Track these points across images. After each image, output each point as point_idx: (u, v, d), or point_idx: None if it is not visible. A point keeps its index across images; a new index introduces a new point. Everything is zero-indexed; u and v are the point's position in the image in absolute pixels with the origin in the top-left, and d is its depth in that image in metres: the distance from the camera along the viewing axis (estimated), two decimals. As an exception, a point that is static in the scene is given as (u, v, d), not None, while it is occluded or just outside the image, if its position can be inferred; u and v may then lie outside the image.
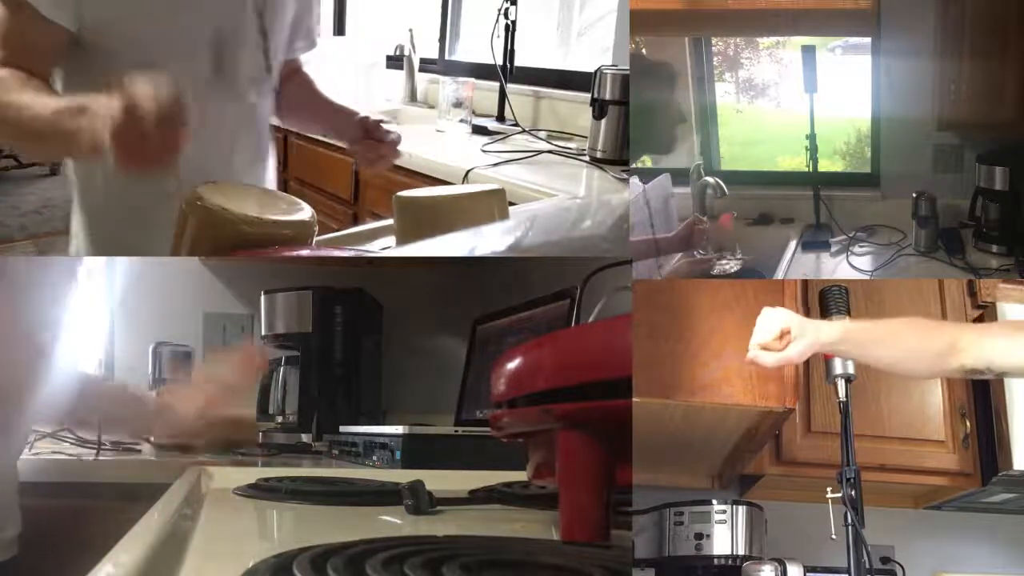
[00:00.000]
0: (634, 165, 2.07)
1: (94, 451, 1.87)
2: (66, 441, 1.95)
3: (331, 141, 2.12)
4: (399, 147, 1.70)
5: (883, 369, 1.36)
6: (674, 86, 1.84)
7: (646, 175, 1.91)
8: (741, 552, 1.76)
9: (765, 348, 1.30)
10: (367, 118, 1.68)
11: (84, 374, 1.38)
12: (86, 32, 1.38)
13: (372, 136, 1.66)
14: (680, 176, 1.98)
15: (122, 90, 1.08)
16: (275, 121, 1.73)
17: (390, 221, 1.45)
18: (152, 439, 1.99)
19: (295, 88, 1.76)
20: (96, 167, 1.48)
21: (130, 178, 1.17)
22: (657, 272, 1.73)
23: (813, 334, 1.29)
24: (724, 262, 1.75)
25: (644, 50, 2.18)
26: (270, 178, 1.72)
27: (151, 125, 1.07)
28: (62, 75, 1.45)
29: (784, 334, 1.28)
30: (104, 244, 1.57)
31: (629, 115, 2.35)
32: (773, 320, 1.30)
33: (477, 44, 3.34)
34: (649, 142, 1.82)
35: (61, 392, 1.29)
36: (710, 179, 1.98)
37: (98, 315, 2.53)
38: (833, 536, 1.38)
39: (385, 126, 1.68)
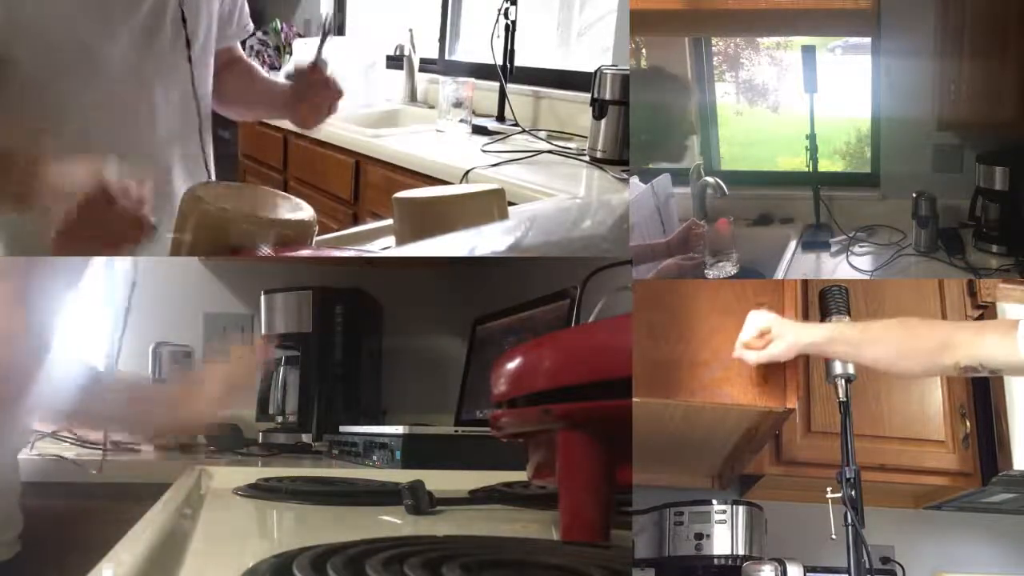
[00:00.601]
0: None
1: (93, 451, 1.87)
2: (66, 441, 1.96)
3: (272, 122, 2.05)
4: (337, 89, 1.64)
5: (877, 369, 1.38)
6: (688, 98, 1.83)
7: (646, 175, 1.91)
8: (741, 552, 1.76)
9: (748, 347, 1.38)
10: (297, 72, 1.64)
11: (91, 369, 1.38)
12: (14, 48, 1.33)
13: (309, 83, 1.62)
14: (680, 176, 1.98)
15: (86, 181, 1.06)
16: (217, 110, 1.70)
17: (390, 221, 1.45)
18: (154, 436, 1.99)
19: (234, 76, 1.74)
20: None
21: None
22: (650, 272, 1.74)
23: (793, 335, 1.36)
24: (720, 266, 1.75)
25: (644, 50, 2.18)
26: (207, 169, 1.67)
27: (123, 219, 1.06)
28: None
29: (763, 334, 1.36)
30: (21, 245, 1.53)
31: (629, 115, 2.35)
32: (754, 321, 1.38)
33: (477, 44, 3.34)
34: (659, 151, 1.81)
35: (67, 387, 1.29)
36: (710, 179, 1.98)
37: (98, 315, 2.53)
38: (833, 536, 1.38)
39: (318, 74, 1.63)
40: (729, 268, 1.75)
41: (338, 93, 1.67)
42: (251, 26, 1.77)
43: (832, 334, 1.38)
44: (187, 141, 1.60)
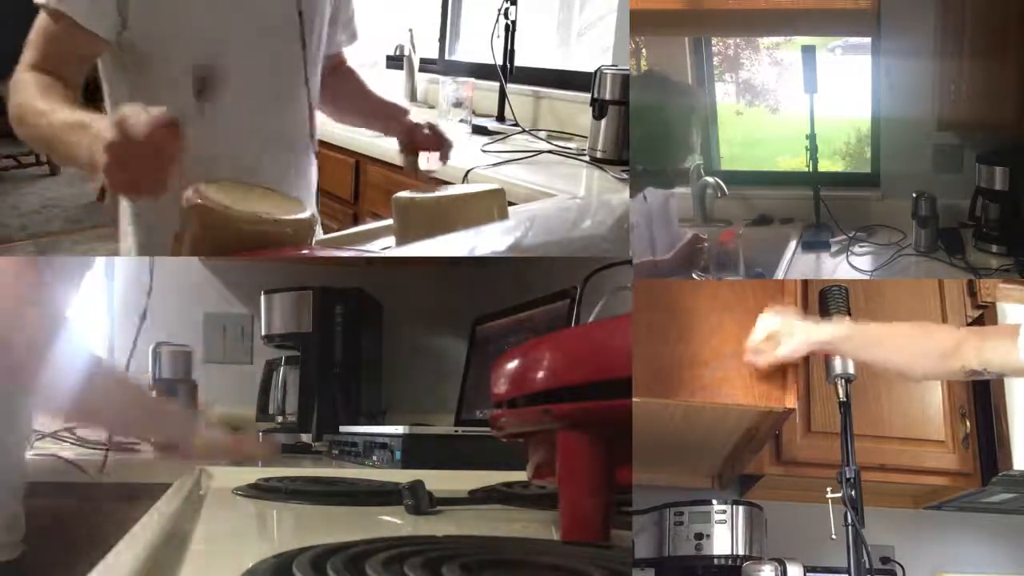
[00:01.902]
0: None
1: (93, 451, 1.87)
2: (66, 441, 1.95)
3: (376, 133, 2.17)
4: (448, 154, 1.73)
5: (888, 370, 1.38)
6: (694, 110, 1.80)
7: (646, 176, 1.91)
8: (741, 552, 1.76)
9: (757, 350, 1.38)
10: (418, 125, 1.71)
11: (94, 361, 1.39)
12: (127, 39, 1.41)
13: (422, 143, 1.70)
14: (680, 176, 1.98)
15: (120, 117, 1.09)
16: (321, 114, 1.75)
17: (390, 221, 1.45)
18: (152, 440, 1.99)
19: (339, 82, 1.79)
20: None
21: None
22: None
23: (803, 334, 1.36)
24: (728, 280, 1.73)
25: (644, 50, 2.18)
26: (312, 173, 1.74)
27: (142, 155, 1.08)
28: (106, 80, 1.50)
29: (771, 336, 1.36)
30: (152, 244, 1.59)
31: (629, 115, 2.35)
32: (762, 324, 1.38)
33: (477, 44, 3.34)
34: (663, 179, 1.79)
35: (70, 386, 1.30)
36: (710, 179, 1.98)
37: (98, 315, 2.53)
38: (833, 536, 1.38)
39: (437, 130, 1.72)
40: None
41: (446, 158, 1.74)
42: (358, 33, 1.80)
43: (845, 332, 1.37)
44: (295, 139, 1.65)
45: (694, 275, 1.73)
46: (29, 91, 1.33)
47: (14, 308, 1.19)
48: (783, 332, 1.36)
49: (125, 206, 1.59)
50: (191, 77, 1.45)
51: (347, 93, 1.83)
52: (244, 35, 1.49)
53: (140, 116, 1.08)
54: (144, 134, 1.07)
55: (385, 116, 1.83)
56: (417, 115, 1.78)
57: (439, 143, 1.72)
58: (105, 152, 1.09)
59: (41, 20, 1.39)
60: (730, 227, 1.84)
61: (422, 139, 1.71)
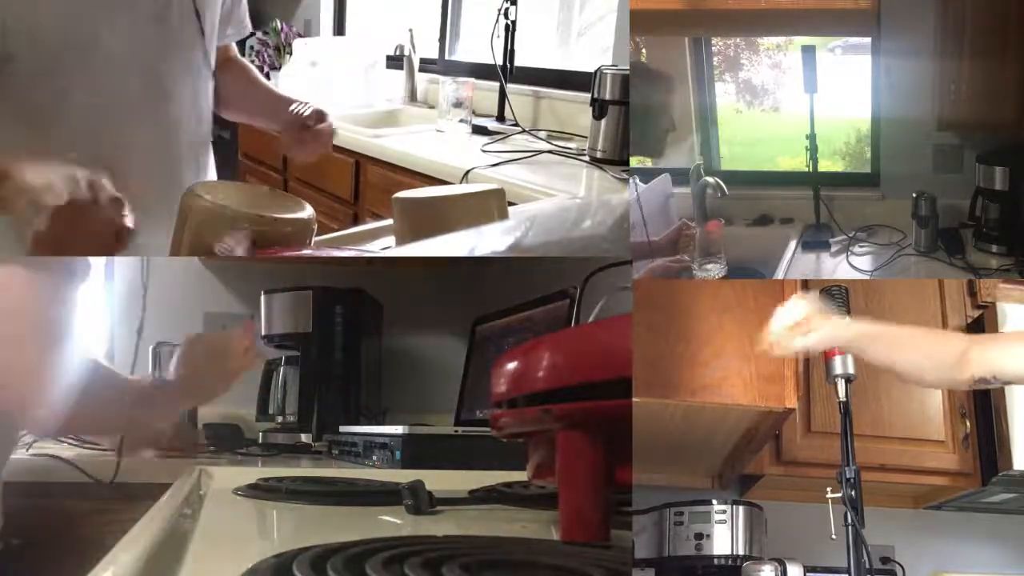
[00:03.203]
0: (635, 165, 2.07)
1: (92, 451, 1.87)
2: (65, 441, 1.96)
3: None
4: (329, 139, 1.63)
5: (898, 374, 1.35)
6: (670, 94, 1.83)
7: (646, 175, 1.91)
8: (741, 552, 1.76)
9: (780, 338, 1.33)
10: (300, 112, 1.62)
11: (93, 368, 1.37)
12: (10, 45, 1.33)
13: (303, 125, 1.61)
14: (680, 176, 1.98)
15: (71, 185, 1.05)
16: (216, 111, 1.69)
17: (390, 221, 1.45)
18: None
19: (232, 77, 1.72)
20: None
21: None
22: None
23: (830, 328, 1.32)
24: (709, 267, 1.75)
25: (644, 50, 2.18)
26: (211, 165, 1.68)
27: (100, 224, 1.06)
28: None
29: (798, 325, 1.32)
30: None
31: (629, 115, 2.35)
32: (790, 310, 1.34)
33: (477, 44, 3.34)
34: (642, 145, 1.82)
35: (78, 388, 1.29)
36: (710, 179, 1.97)
37: (98, 315, 2.53)
38: (833, 536, 1.38)
39: (316, 118, 1.62)
40: (718, 270, 1.75)
41: (329, 143, 1.65)
42: (249, 25, 1.76)
43: (866, 332, 1.35)
44: (196, 137, 1.60)
45: (683, 256, 1.73)
46: None
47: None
48: (813, 322, 1.32)
49: None
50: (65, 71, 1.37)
51: (233, 89, 1.72)
52: (127, 20, 1.41)
53: (81, 197, 1.03)
54: (94, 225, 1.04)
55: (267, 114, 1.73)
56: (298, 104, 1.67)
57: (312, 138, 1.62)
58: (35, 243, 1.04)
59: None
60: (717, 220, 1.84)
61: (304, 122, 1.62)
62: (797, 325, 1.32)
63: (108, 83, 1.42)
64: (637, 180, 1.80)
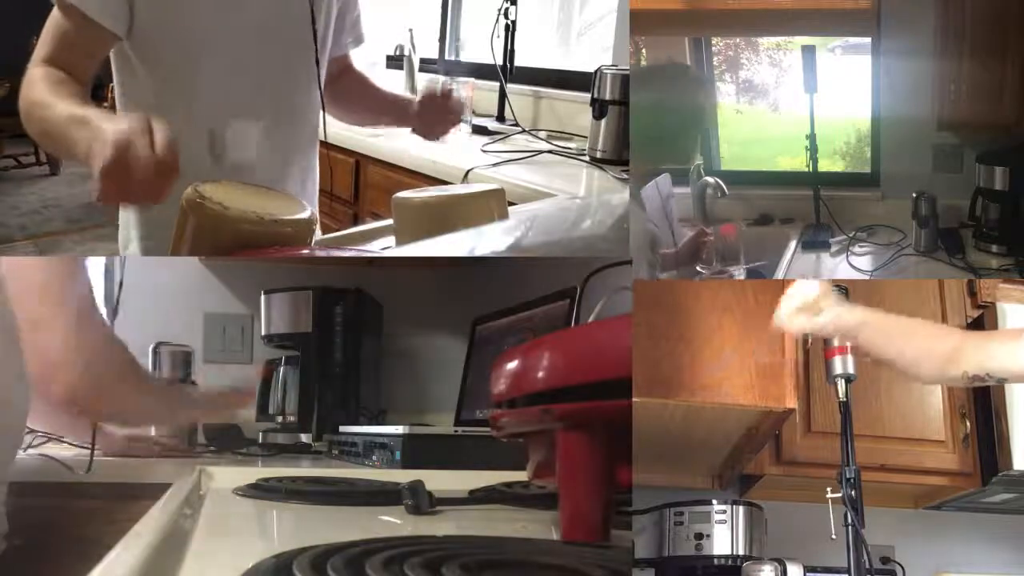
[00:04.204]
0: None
1: (81, 450, 1.87)
2: (64, 441, 1.95)
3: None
4: (461, 107, 1.79)
5: (894, 366, 1.36)
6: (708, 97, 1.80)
7: (647, 176, 1.90)
8: (741, 552, 1.76)
9: (792, 316, 1.34)
10: (428, 94, 1.75)
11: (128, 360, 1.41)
12: (136, 36, 1.42)
13: (435, 104, 1.73)
14: (680, 176, 1.98)
15: (118, 137, 1.09)
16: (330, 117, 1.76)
17: (390, 221, 1.45)
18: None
19: (348, 84, 1.79)
20: None
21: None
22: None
23: (836, 312, 1.34)
24: (730, 272, 1.74)
25: (644, 50, 2.18)
26: (315, 170, 1.75)
27: (139, 175, 1.08)
28: (116, 75, 1.51)
29: (806, 306, 1.34)
30: (156, 239, 1.58)
31: (629, 115, 2.35)
32: (800, 290, 1.35)
33: (477, 44, 3.34)
34: (675, 151, 1.78)
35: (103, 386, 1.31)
36: (710, 179, 1.98)
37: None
38: (833, 536, 1.38)
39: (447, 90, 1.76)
40: (739, 274, 1.74)
41: (462, 112, 1.82)
42: (364, 35, 1.81)
43: (869, 320, 1.35)
44: (303, 139, 1.66)
45: (698, 268, 1.73)
46: (38, 86, 1.34)
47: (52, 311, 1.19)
48: (822, 303, 1.34)
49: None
50: (200, 75, 1.46)
51: (356, 95, 1.83)
52: (250, 30, 1.49)
53: (140, 139, 1.07)
54: (144, 160, 1.07)
55: (394, 112, 1.84)
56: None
57: (448, 108, 1.76)
58: (101, 175, 1.08)
59: (53, 15, 1.40)
60: (731, 221, 1.84)
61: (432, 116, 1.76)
62: (806, 306, 1.33)
63: (224, 83, 1.48)
64: (659, 184, 1.79)
